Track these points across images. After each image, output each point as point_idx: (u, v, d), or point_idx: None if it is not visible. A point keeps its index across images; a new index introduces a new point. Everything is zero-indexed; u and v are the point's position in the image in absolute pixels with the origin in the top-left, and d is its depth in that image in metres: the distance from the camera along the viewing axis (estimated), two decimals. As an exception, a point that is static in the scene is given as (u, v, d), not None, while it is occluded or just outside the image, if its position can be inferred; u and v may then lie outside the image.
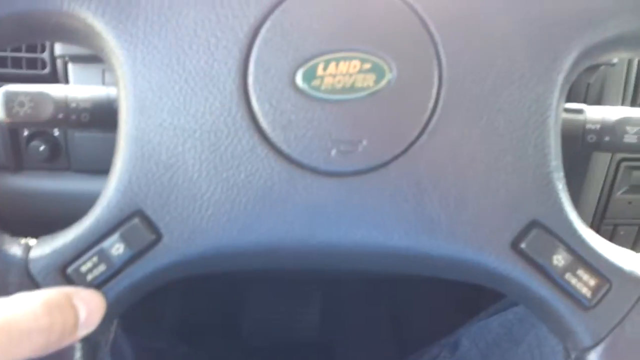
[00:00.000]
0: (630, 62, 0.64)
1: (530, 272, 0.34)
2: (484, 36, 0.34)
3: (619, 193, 0.68)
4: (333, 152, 0.33)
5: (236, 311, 1.06)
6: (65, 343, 0.30)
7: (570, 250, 0.34)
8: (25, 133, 0.65)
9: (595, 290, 0.34)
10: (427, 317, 1.09)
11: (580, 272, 0.34)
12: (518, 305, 0.71)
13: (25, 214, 0.69)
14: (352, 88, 0.33)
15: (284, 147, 0.33)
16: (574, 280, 0.34)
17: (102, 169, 0.39)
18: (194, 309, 1.09)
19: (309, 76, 0.33)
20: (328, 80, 0.33)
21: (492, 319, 0.75)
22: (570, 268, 0.34)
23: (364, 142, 0.33)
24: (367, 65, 0.33)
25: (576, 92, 0.62)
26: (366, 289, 1.12)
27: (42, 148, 0.64)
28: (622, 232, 0.70)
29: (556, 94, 0.34)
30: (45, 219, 0.67)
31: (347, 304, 1.13)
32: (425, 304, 1.10)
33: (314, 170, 0.34)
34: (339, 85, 0.33)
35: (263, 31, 0.33)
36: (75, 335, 0.31)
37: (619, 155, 0.67)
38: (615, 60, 0.59)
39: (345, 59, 0.33)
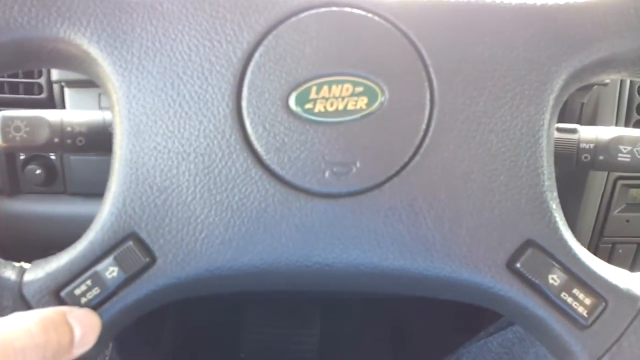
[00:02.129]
0: (622, 82, 0.64)
1: (526, 291, 0.34)
2: (474, 59, 0.34)
3: (616, 211, 0.68)
4: (327, 173, 0.34)
5: (234, 332, 1.05)
6: None
7: (565, 269, 0.34)
8: (22, 157, 0.65)
9: (591, 309, 0.34)
10: (428, 337, 1.08)
11: (575, 291, 0.34)
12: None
13: (21, 238, 0.69)
14: (344, 111, 0.33)
15: (277, 169, 0.34)
16: (569, 300, 0.34)
17: (97, 192, 0.39)
18: (191, 331, 1.08)
19: (302, 99, 0.33)
20: (321, 103, 0.33)
21: (493, 338, 0.74)
22: (566, 287, 0.34)
23: (358, 164, 0.34)
24: (360, 89, 0.33)
25: (571, 111, 0.62)
26: (366, 308, 1.12)
27: (38, 172, 0.65)
28: (620, 251, 0.69)
29: (547, 115, 0.34)
30: (41, 242, 0.67)
31: (347, 324, 1.12)
32: (426, 324, 1.09)
33: (307, 192, 0.34)
34: (332, 108, 0.33)
35: (256, 56, 0.34)
36: (71, 354, 0.31)
37: (615, 174, 0.67)
38: (607, 80, 0.59)
39: (337, 82, 0.33)
